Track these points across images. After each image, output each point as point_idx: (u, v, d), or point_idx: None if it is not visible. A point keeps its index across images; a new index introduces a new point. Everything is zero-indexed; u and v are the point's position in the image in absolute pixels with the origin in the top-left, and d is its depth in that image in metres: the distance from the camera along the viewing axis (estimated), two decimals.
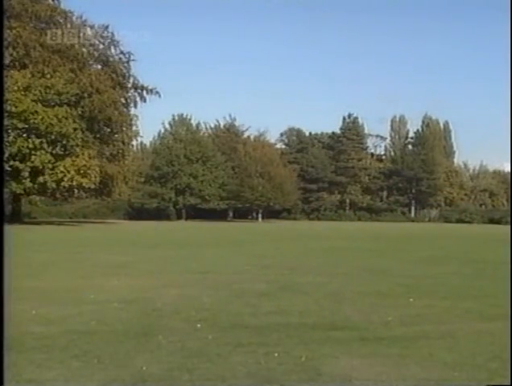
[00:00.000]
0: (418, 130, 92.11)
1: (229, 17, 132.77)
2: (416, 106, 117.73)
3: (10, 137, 39.41)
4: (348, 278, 12.01)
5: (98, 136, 47.90)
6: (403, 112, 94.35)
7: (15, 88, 39.23)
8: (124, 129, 49.63)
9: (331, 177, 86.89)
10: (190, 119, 79.40)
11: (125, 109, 50.32)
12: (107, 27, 47.97)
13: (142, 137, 58.67)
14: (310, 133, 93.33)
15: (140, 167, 63.39)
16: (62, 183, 42.34)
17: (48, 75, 42.06)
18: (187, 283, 10.82)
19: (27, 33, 42.09)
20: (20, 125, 39.85)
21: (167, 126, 78.82)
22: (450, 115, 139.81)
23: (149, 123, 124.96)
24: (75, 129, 41.48)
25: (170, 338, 6.14)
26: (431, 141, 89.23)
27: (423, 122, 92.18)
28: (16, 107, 38.93)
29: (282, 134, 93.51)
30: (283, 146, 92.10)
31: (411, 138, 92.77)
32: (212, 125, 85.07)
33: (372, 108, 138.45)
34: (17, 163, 40.18)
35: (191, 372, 4.91)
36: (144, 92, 51.34)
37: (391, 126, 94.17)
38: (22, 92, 39.82)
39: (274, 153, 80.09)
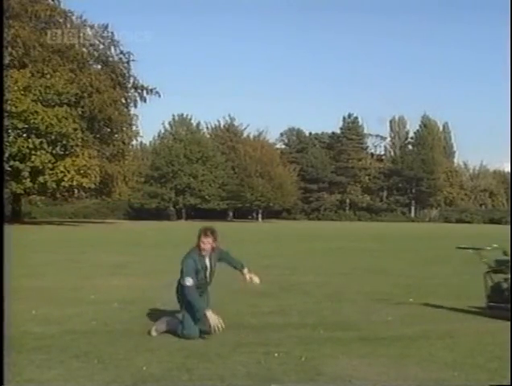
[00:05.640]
0: (418, 130, 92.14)
1: (230, 17, 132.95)
2: (416, 106, 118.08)
3: (10, 137, 39.45)
4: (349, 278, 12.02)
5: (98, 136, 47.94)
6: (403, 113, 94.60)
7: (15, 87, 39.23)
8: (124, 129, 49.69)
9: (331, 177, 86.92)
10: (190, 119, 79.57)
11: (125, 109, 50.34)
12: (107, 27, 48.08)
13: (142, 137, 58.78)
14: (310, 133, 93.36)
15: (140, 167, 63.37)
16: (62, 183, 42.36)
17: (48, 75, 42.05)
18: None
19: (27, 32, 42.05)
20: (20, 125, 39.87)
21: (167, 126, 78.99)
22: (450, 115, 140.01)
23: (149, 123, 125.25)
24: (75, 129, 41.48)
25: (170, 338, 6.14)
26: (430, 141, 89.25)
27: (422, 122, 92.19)
28: (16, 107, 38.94)
29: (282, 134, 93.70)
30: (283, 146, 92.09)
31: (411, 138, 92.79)
32: (213, 125, 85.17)
33: (372, 109, 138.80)
34: (17, 163, 40.22)
35: (190, 372, 4.91)
36: (144, 92, 51.38)
37: (391, 126, 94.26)
38: (22, 92, 39.80)
39: (273, 153, 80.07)
